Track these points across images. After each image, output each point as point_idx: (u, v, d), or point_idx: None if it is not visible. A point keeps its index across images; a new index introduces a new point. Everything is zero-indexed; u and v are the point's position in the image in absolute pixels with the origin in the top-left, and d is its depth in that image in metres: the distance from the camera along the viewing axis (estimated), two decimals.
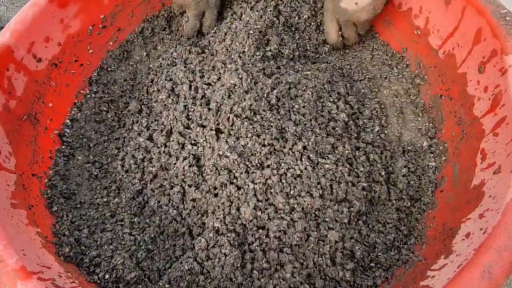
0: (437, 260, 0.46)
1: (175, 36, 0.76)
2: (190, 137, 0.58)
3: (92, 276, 0.48)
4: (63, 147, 0.60)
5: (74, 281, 0.45)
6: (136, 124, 0.63)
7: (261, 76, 0.60)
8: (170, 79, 0.65)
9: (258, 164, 0.54)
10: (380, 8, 0.66)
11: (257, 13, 0.70)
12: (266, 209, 0.51)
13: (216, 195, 0.53)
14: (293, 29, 0.74)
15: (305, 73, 0.65)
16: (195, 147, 0.57)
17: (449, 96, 0.62)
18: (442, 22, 0.63)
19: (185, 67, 0.65)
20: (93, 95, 0.67)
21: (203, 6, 0.71)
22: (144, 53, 0.74)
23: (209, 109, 0.58)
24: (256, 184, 0.52)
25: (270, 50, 0.66)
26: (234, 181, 0.53)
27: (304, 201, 0.51)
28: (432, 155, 0.61)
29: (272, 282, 0.48)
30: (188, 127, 0.59)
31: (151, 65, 0.72)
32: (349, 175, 0.55)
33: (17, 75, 0.55)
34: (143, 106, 0.65)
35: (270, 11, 0.71)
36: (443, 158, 0.59)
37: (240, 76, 0.59)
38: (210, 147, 0.56)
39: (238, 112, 0.56)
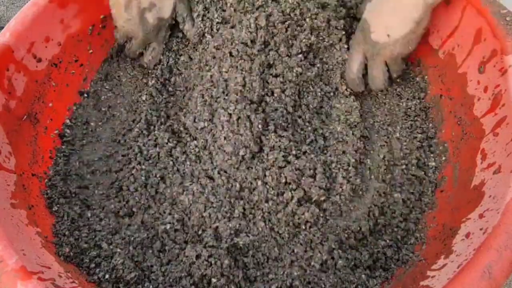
0: (437, 260, 0.46)
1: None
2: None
3: (92, 276, 0.48)
4: (63, 147, 0.60)
5: (74, 281, 0.45)
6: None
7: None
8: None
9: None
10: (415, 43, 0.59)
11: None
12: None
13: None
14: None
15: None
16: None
17: (449, 96, 0.62)
18: (442, 22, 0.63)
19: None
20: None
21: (152, 37, 0.66)
22: None
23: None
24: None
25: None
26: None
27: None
28: (432, 155, 0.61)
29: (271, 283, 0.48)
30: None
31: None
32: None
33: (17, 75, 0.55)
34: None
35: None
36: (443, 158, 0.59)
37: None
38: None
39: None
